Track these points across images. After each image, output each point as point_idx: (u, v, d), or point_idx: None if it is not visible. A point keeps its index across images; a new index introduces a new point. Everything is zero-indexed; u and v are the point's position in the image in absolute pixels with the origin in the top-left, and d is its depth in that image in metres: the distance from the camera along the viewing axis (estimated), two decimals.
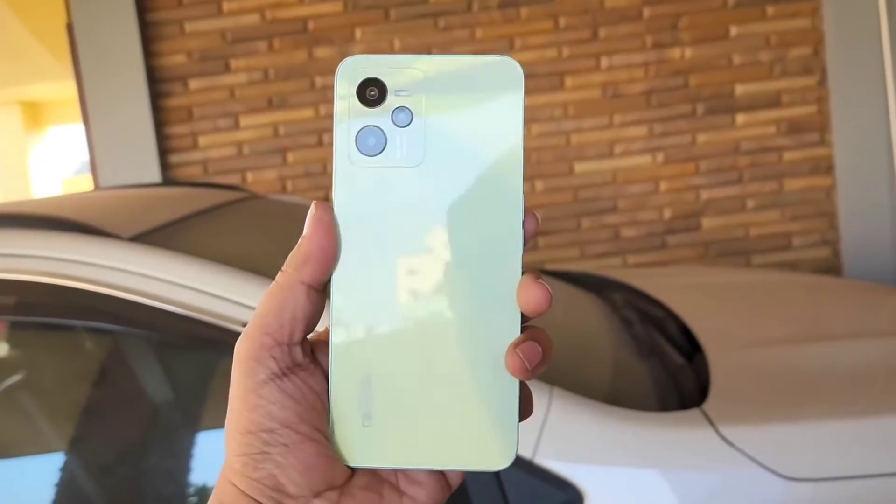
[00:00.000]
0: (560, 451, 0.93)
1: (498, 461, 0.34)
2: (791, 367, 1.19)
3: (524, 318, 0.34)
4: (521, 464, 0.92)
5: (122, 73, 2.79)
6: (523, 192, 0.34)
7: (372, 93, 0.34)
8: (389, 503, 0.34)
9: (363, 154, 0.34)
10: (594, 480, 0.93)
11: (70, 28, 2.84)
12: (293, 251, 0.34)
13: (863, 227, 2.75)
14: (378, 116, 0.34)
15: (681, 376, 1.22)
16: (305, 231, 0.34)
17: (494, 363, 0.34)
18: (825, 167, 2.80)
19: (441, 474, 0.35)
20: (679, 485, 0.93)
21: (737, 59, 2.77)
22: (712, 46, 2.78)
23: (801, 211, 2.81)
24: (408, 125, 0.34)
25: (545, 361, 0.33)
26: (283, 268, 0.34)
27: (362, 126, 0.34)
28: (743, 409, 1.04)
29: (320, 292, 0.35)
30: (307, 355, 0.35)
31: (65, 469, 1.01)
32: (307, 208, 0.35)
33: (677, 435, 0.97)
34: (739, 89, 2.78)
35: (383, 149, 0.34)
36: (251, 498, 0.33)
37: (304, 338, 0.35)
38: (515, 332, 0.34)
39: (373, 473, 0.35)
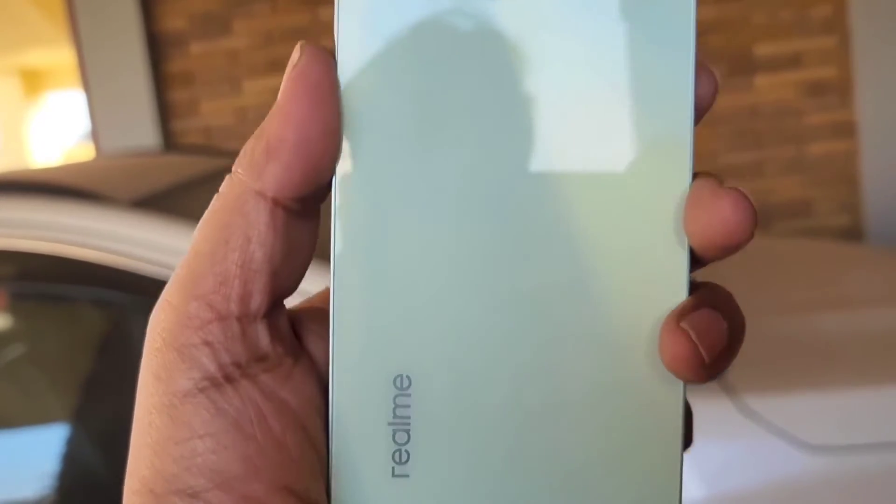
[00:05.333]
0: None
1: None
2: (812, 335, 1.18)
3: (692, 267, 0.19)
4: None
5: (120, 37, 2.74)
6: (695, 35, 0.19)
7: None
8: None
9: None
10: None
11: None
12: (252, 137, 0.19)
13: (886, 193, 2.70)
14: None
15: None
16: (279, 99, 0.18)
17: (637, 350, 0.19)
18: (847, 131, 2.75)
19: None
20: (695, 455, 0.91)
21: (756, 19, 2.71)
22: (731, 5, 2.71)
23: (822, 176, 2.76)
24: None
25: (732, 350, 0.19)
26: (232, 168, 0.19)
27: None
28: (763, 377, 1.02)
29: (303, 217, 0.19)
30: (279, 339, 0.19)
31: (67, 439, 1.00)
32: None
33: (693, 404, 0.95)
34: (758, 49, 2.72)
35: None
36: None
37: (275, 305, 0.19)
38: (679, 292, 0.19)
39: None
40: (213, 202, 0.19)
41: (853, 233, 2.78)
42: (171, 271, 0.73)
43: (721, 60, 2.74)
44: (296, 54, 0.18)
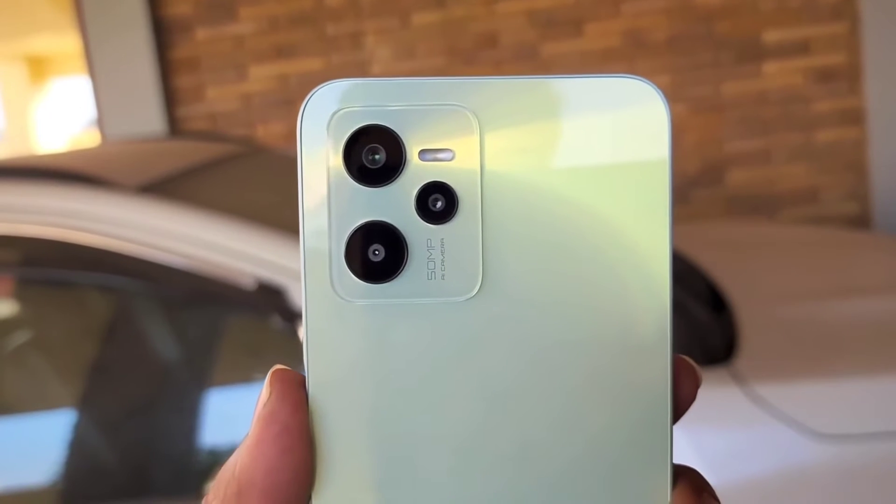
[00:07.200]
0: None
1: None
2: (820, 323, 1.17)
3: None
4: None
5: (126, 23, 2.73)
6: (671, 336, 0.20)
7: (375, 156, 0.19)
8: None
9: (360, 280, 0.19)
10: None
11: None
12: (223, 469, 0.19)
13: (894, 181, 2.68)
14: (387, 204, 0.19)
15: (706, 332, 1.19)
16: (249, 435, 0.19)
17: None
18: (855, 118, 2.72)
19: None
20: (701, 443, 0.91)
21: (764, 4, 2.68)
22: None
23: (830, 163, 2.74)
24: (448, 219, 0.19)
25: None
26: (208, 499, 0.19)
27: (356, 226, 0.19)
28: (771, 364, 1.02)
29: None
30: None
31: (73, 425, 1.00)
32: None
33: (702, 393, 0.94)
34: (766, 36, 2.69)
35: (400, 268, 0.19)
36: None
37: None
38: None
39: None
40: None
41: (861, 220, 2.76)
42: (176, 256, 0.72)
43: (729, 47, 2.71)
44: (265, 391, 0.19)
